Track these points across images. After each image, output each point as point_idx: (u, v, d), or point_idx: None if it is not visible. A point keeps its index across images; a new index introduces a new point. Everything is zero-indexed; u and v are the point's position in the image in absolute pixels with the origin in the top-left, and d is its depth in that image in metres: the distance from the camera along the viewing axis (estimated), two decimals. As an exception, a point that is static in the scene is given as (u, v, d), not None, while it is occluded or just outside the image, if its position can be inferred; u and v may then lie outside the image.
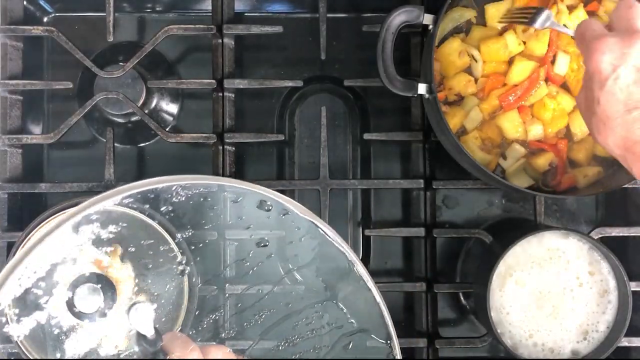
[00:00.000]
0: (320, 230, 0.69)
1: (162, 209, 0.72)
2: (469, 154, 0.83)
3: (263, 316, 0.76)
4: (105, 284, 0.77)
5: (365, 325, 0.73)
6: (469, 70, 0.88)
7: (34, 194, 0.97)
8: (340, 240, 0.69)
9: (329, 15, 0.97)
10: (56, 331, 0.79)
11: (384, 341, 0.71)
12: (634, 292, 0.87)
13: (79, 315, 0.77)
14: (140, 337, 0.64)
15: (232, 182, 0.68)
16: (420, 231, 0.95)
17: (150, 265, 0.82)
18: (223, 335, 0.76)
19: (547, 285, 0.88)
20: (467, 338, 0.95)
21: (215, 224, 0.76)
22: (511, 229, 0.98)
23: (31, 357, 0.78)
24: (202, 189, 0.69)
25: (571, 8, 0.87)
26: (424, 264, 0.96)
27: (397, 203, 1.03)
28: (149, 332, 0.64)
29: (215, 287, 0.92)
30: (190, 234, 0.76)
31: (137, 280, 0.82)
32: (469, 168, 0.87)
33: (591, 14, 0.88)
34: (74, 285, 0.76)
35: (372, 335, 0.71)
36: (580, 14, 0.87)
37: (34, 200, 0.98)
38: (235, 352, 0.71)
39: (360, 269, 0.69)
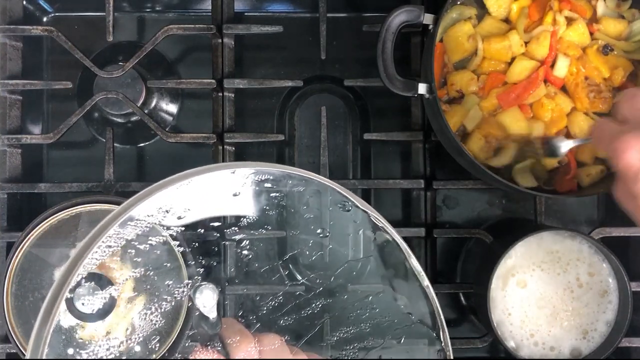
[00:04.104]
0: (377, 223, 0.70)
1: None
2: (469, 153, 0.83)
3: (320, 305, 0.76)
4: (105, 284, 0.77)
5: (419, 318, 0.74)
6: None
7: (34, 194, 0.97)
8: (395, 234, 0.70)
9: (329, 15, 0.97)
10: (56, 331, 0.79)
11: (435, 335, 0.72)
12: (634, 293, 0.87)
13: (79, 315, 0.77)
14: (202, 319, 0.65)
15: (295, 171, 0.69)
16: (421, 231, 0.95)
17: (150, 265, 0.82)
18: (281, 322, 0.76)
19: (547, 285, 0.88)
20: (467, 338, 0.95)
21: (277, 211, 0.76)
22: (512, 229, 0.98)
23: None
24: (266, 176, 0.70)
25: (570, 20, 0.87)
26: (424, 264, 0.96)
27: (397, 203, 1.02)
28: (212, 315, 0.65)
29: (217, 286, 0.92)
30: (254, 219, 0.76)
31: (136, 280, 0.81)
32: (469, 168, 0.87)
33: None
34: (74, 285, 0.76)
35: (425, 329, 0.72)
36: (581, 29, 0.87)
37: (34, 200, 0.98)
38: (289, 343, 0.71)
39: (414, 262, 0.70)
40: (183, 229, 0.76)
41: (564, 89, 0.88)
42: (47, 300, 0.58)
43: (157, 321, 0.81)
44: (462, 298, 1.01)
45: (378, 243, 0.75)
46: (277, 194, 0.74)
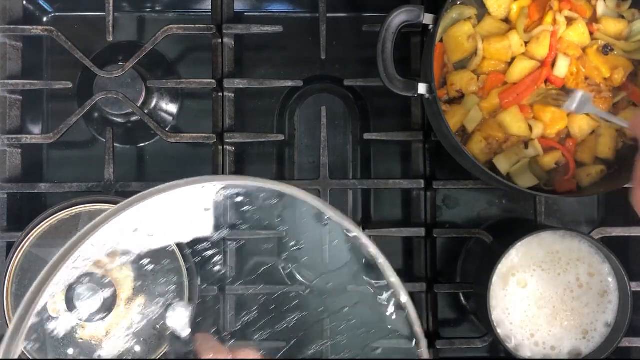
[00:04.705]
0: (350, 234, 0.69)
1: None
2: (468, 153, 0.83)
3: (295, 319, 0.76)
4: (105, 284, 0.77)
5: (395, 328, 0.73)
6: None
7: (34, 194, 0.97)
8: (371, 245, 0.69)
9: (329, 15, 0.97)
10: (56, 331, 0.79)
11: (413, 345, 0.71)
12: (634, 293, 0.87)
13: (79, 315, 0.77)
14: (174, 337, 0.65)
15: (266, 184, 0.68)
16: (421, 231, 0.95)
17: (150, 265, 0.82)
18: (257, 337, 0.76)
19: (547, 285, 0.88)
20: (467, 338, 0.95)
21: (252, 224, 0.76)
22: (511, 229, 0.98)
23: (31, 357, 0.78)
24: (240, 190, 0.70)
25: (570, 20, 0.87)
26: (424, 264, 0.96)
27: (397, 203, 1.02)
28: (185, 332, 0.64)
29: (215, 287, 0.92)
30: (226, 232, 0.76)
31: (136, 280, 0.82)
32: (469, 168, 0.87)
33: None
34: (74, 285, 0.76)
35: (402, 339, 0.71)
36: (581, 29, 0.87)
37: (34, 200, 0.98)
38: (266, 355, 0.71)
39: (390, 274, 0.69)
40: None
41: (564, 90, 0.88)
42: (14, 323, 0.57)
43: (156, 321, 0.81)
44: (462, 298, 1.01)
45: (355, 253, 0.74)
46: (249, 207, 0.74)
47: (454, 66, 0.89)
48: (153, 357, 0.78)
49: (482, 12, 0.89)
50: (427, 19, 0.85)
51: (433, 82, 0.83)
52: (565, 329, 0.88)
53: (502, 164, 0.87)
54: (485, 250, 0.95)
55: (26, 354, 0.78)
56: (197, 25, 0.95)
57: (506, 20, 0.89)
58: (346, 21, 1.03)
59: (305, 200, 0.67)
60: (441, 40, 0.88)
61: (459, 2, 0.89)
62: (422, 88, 0.86)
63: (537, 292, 0.88)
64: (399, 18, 0.85)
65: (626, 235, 0.95)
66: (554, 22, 0.86)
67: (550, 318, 0.88)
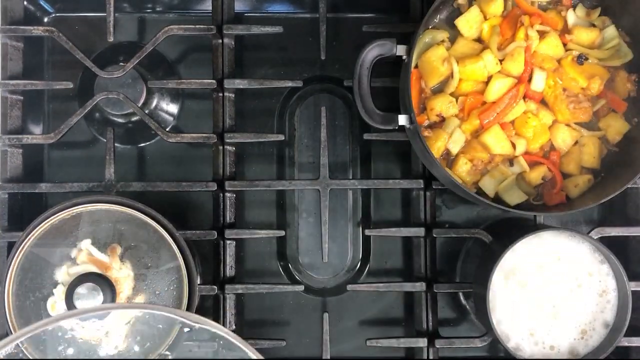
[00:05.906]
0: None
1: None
2: (461, 184, 0.84)
3: None
4: (105, 284, 0.77)
5: None
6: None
7: (34, 194, 0.97)
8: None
9: (329, 15, 0.97)
10: (56, 331, 0.79)
11: None
12: (633, 292, 0.87)
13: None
14: None
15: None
16: (420, 231, 0.95)
17: (150, 265, 0.82)
18: None
19: (546, 284, 0.88)
20: (467, 338, 0.95)
21: None
22: (511, 229, 0.98)
23: (31, 357, 0.78)
24: None
25: (542, 33, 0.87)
26: (423, 263, 0.96)
27: (397, 203, 1.03)
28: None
29: (215, 287, 0.92)
30: None
31: (136, 280, 0.82)
32: (462, 194, 0.87)
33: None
34: (74, 285, 0.76)
35: None
36: (554, 41, 0.87)
37: (34, 200, 0.98)
38: None
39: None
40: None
41: (543, 103, 0.88)
42: None
43: (156, 320, 0.82)
44: (462, 298, 1.01)
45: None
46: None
47: (431, 90, 0.89)
48: (153, 357, 0.78)
49: (454, 34, 0.89)
50: (400, 50, 0.85)
51: (412, 112, 0.83)
52: (564, 328, 0.88)
53: (489, 185, 0.88)
54: (485, 250, 0.95)
55: (26, 353, 0.78)
56: (197, 26, 0.95)
57: (479, 40, 0.89)
58: (346, 21, 1.03)
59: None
60: (416, 66, 0.89)
61: (430, 27, 0.89)
62: (402, 119, 0.86)
63: (536, 291, 0.88)
64: (371, 53, 0.86)
65: (625, 235, 0.95)
66: (527, 37, 0.86)
67: (549, 318, 0.88)
